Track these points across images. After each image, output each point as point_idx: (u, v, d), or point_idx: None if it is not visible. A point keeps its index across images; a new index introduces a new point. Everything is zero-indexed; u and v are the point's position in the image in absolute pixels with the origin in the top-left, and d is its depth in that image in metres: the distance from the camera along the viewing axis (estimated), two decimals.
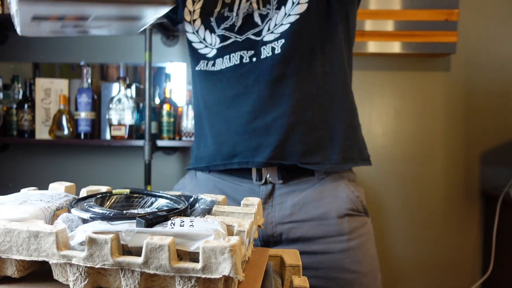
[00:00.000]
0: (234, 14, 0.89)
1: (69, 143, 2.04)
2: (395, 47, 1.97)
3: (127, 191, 0.64)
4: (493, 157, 2.08)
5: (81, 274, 0.48)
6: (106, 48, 2.13)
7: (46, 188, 0.72)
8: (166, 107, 1.92)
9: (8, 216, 0.51)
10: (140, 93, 2.04)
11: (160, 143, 1.92)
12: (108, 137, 1.95)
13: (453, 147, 2.09)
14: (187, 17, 0.96)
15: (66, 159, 2.14)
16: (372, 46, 1.98)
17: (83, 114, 1.91)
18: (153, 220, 0.50)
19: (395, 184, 2.10)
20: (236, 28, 0.89)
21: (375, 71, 2.08)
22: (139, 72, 2.13)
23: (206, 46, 0.94)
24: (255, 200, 0.65)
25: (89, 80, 1.91)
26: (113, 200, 0.63)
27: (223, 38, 0.90)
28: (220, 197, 0.67)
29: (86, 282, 0.48)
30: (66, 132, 1.91)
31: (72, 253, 0.47)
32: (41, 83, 1.94)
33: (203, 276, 0.45)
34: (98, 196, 0.62)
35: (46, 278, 0.53)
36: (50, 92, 1.95)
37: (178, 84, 2.09)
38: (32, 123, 1.95)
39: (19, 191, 0.67)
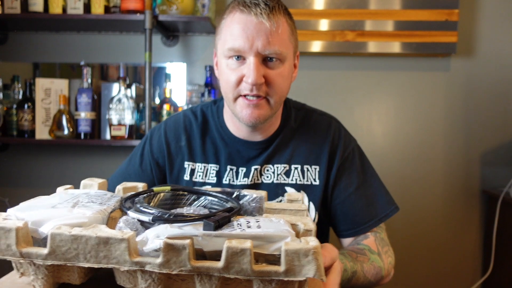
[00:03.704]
0: None
1: (69, 143, 2.04)
2: (395, 47, 1.97)
3: (168, 188, 0.63)
4: (493, 157, 2.07)
5: (154, 280, 0.46)
6: (106, 48, 2.13)
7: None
8: (166, 107, 1.92)
9: (66, 221, 0.49)
10: (140, 93, 2.04)
11: None
12: (108, 137, 1.95)
13: (453, 147, 2.09)
14: None
15: (66, 159, 2.14)
16: (372, 46, 1.98)
17: (83, 114, 1.91)
18: (220, 222, 0.48)
19: (395, 184, 2.09)
20: None
21: (375, 71, 2.08)
22: (139, 72, 2.13)
23: None
24: (299, 195, 0.63)
25: (89, 80, 1.91)
26: (157, 198, 0.62)
27: None
28: (263, 193, 0.65)
29: None
30: (66, 132, 1.91)
31: (146, 259, 0.45)
32: (41, 83, 1.94)
33: (286, 279, 0.43)
34: (143, 195, 0.60)
35: (106, 284, 0.51)
36: (50, 92, 1.95)
37: (178, 84, 2.09)
38: (32, 123, 1.95)
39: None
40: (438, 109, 2.09)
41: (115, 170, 1.15)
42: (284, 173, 1.00)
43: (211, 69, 2.04)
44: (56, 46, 2.13)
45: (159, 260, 0.44)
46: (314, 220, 0.98)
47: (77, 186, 0.70)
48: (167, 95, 1.95)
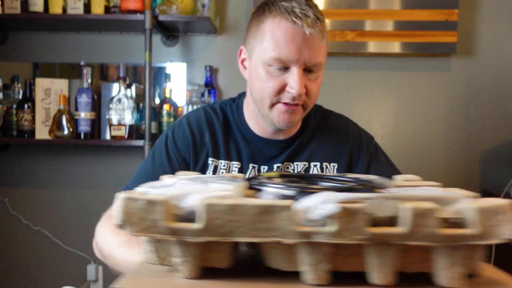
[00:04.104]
0: None
1: (69, 143, 2.04)
2: (395, 47, 1.97)
3: (276, 173, 0.58)
4: (493, 157, 2.07)
5: (320, 256, 0.39)
6: (106, 48, 2.13)
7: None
8: (166, 107, 1.92)
9: (211, 195, 0.42)
10: (140, 93, 2.04)
11: None
12: (108, 137, 1.95)
13: (453, 147, 2.09)
14: None
15: (66, 159, 2.14)
16: (372, 46, 1.98)
17: (83, 114, 1.91)
18: (375, 188, 0.43)
19: None
20: None
21: (375, 71, 2.08)
22: (139, 72, 2.13)
23: None
24: (415, 176, 0.58)
25: (89, 80, 1.91)
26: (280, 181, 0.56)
27: None
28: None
29: (328, 265, 0.40)
30: (66, 132, 1.91)
31: (316, 229, 0.38)
32: (41, 83, 1.94)
33: (481, 242, 0.37)
34: (257, 179, 0.54)
35: (255, 267, 0.45)
36: (50, 92, 1.95)
37: (178, 84, 2.09)
38: (32, 123, 1.95)
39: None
40: (438, 109, 2.09)
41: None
42: (304, 171, 1.02)
43: (211, 69, 2.04)
44: (56, 46, 2.13)
45: (332, 227, 0.38)
46: None
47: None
48: (167, 95, 1.95)
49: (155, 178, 1.00)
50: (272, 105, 0.92)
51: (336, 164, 1.03)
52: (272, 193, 0.46)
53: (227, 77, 2.10)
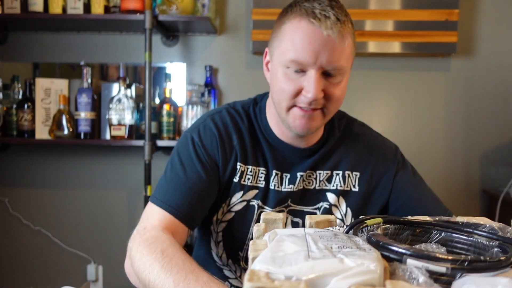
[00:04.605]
0: None
1: (69, 143, 2.04)
2: (395, 47, 1.97)
3: (380, 220, 0.53)
4: (493, 157, 2.07)
5: None
6: (106, 48, 2.13)
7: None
8: (166, 107, 1.92)
9: (353, 278, 0.38)
10: (140, 93, 2.04)
11: (160, 143, 1.92)
12: (108, 137, 1.95)
13: (453, 147, 2.09)
14: (213, 235, 1.02)
15: (66, 159, 2.14)
16: (372, 46, 1.98)
17: (83, 114, 1.91)
18: None
19: None
20: None
21: (375, 71, 2.08)
22: (139, 72, 2.13)
23: (230, 271, 1.02)
24: None
25: (89, 80, 1.91)
26: (388, 232, 0.51)
27: None
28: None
29: None
30: (66, 132, 1.91)
31: None
32: (41, 83, 1.94)
33: None
34: (362, 226, 0.49)
35: None
36: (50, 92, 1.95)
37: (178, 84, 2.09)
38: (32, 123, 1.95)
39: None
40: (438, 109, 2.09)
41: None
42: (326, 180, 0.99)
43: (211, 69, 2.04)
44: (56, 46, 2.13)
45: None
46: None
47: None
48: (167, 95, 1.95)
49: (191, 185, 0.93)
50: (289, 109, 0.89)
51: (358, 173, 1.00)
52: (415, 267, 0.39)
53: (227, 77, 2.10)
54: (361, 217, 0.55)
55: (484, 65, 2.06)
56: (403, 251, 0.42)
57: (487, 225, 0.53)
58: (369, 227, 0.53)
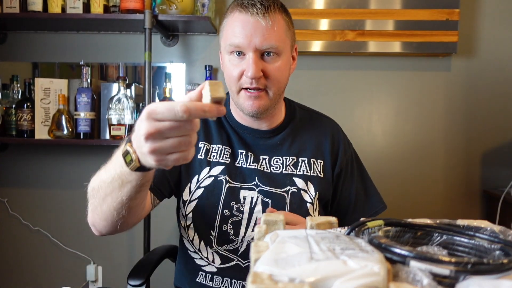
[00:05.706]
0: (239, 239, 1.03)
1: (68, 143, 2.03)
2: (395, 46, 1.97)
3: (381, 222, 0.53)
4: (493, 157, 2.07)
5: None
6: (105, 48, 2.12)
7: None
8: None
9: (356, 281, 0.38)
10: (139, 92, 2.04)
11: None
12: (107, 137, 1.94)
13: (453, 147, 2.08)
14: (182, 221, 1.09)
15: (66, 159, 2.13)
16: (372, 46, 1.97)
17: (83, 114, 1.90)
18: None
19: (395, 184, 2.09)
20: (240, 252, 1.04)
21: (375, 71, 2.08)
22: (139, 72, 2.13)
23: (201, 258, 1.07)
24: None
25: (89, 80, 1.91)
26: (389, 234, 0.52)
27: (224, 259, 1.04)
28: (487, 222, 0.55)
29: None
30: (65, 132, 1.91)
31: None
32: (40, 83, 1.93)
33: None
34: (369, 229, 0.50)
35: None
36: (50, 92, 1.94)
37: (178, 84, 2.08)
38: (31, 123, 1.95)
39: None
40: (438, 109, 2.08)
41: None
42: (292, 165, 1.09)
43: (210, 68, 2.03)
44: (56, 45, 2.13)
45: None
46: (315, 209, 1.08)
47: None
48: (167, 95, 1.94)
49: (160, 172, 1.02)
50: (238, 92, 1.01)
51: (322, 161, 1.12)
52: (418, 269, 0.40)
53: None
54: (362, 219, 0.55)
55: (484, 65, 2.05)
56: (407, 253, 0.42)
57: (488, 228, 0.54)
58: (370, 229, 0.53)
